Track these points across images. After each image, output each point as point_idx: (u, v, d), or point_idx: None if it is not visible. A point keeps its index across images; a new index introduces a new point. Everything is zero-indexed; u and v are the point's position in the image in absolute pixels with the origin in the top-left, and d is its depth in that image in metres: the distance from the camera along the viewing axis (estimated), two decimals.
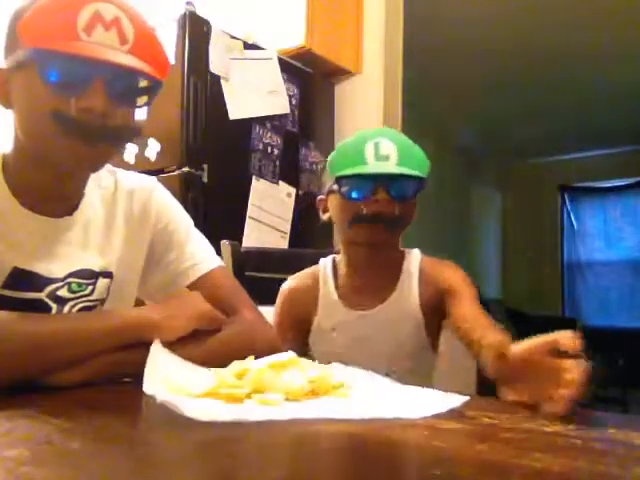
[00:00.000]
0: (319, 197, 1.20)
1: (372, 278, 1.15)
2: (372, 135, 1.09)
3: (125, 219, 0.91)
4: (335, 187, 1.10)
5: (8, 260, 0.79)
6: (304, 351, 1.16)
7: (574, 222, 6.33)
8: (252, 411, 0.55)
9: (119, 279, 0.89)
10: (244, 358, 0.68)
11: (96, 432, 0.49)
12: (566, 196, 6.42)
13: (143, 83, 0.79)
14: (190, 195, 1.80)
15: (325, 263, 1.21)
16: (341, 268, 1.19)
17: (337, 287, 1.16)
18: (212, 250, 0.98)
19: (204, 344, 0.80)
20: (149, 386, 0.60)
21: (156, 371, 0.64)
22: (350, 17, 2.37)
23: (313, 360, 0.73)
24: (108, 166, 0.90)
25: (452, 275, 1.11)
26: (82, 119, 0.74)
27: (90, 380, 0.69)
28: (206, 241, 0.99)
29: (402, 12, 2.40)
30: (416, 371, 1.11)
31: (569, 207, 6.41)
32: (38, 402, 0.58)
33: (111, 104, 0.75)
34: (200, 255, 0.94)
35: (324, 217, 1.17)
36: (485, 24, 3.46)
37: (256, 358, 0.68)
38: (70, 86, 0.73)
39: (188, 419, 0.50)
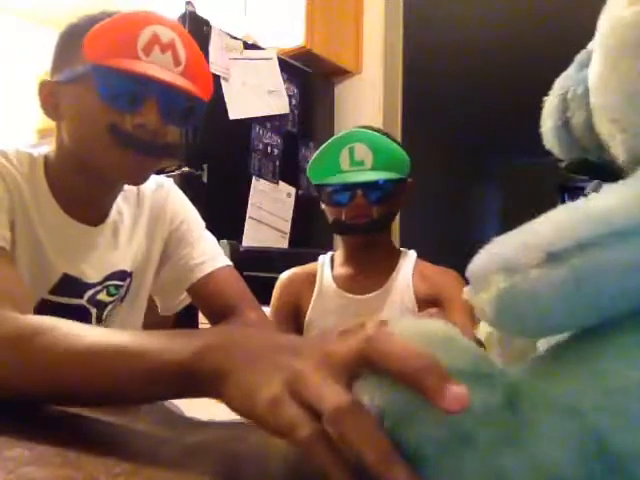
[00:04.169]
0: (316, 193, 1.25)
1: (368, 268, 1.18)
2: (347, 140, 1.12)
3: (146, 219, 0.94)
4: (319, 192, 1.16)
5: (58, 266, 0.81)
6: None
7: None
8: None
9: (138, 277, 0.92)
10: None
11: (96, 432, 0.49)
12: (566, 196, 6.42)
13: (191, 103, 0.83)
14: (190, 195, 1.79)
15: (323, 257, 1.27)
16: (338, 260, 1.24)
17: (334, 276, 1.21)
18: (221, 251, 1.01)
19: None
20: None
21: None
22: (350, 17, 2.37)
23: None
24: None
25: (450, 282, 1.13)
26: (136, 134, 0.77)
27: None
28: (216, 242, 1.02)
29: (402, 12, 2.40)
30: None
31: None
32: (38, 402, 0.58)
33: (162, 122, 0.79)
34: (209, 254, 0.97)
35: (323, 206, 1.22)
36: (485, 25, 3.46)
37: None
38: (127, 102, 0.77)
39: (188, 419, 0.50)
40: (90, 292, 0.84)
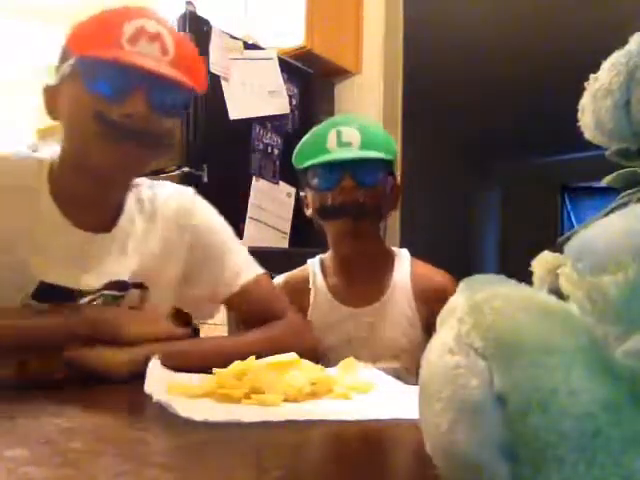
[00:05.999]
0: (302, 194, 1.19)
1: (362, 274, 1.13)
2: (334, 123, 1.10)
3: (163, 232, 0.91)
4: (305, 180, 1.11)
5: (37, 274, 0.79)
6: None
7: (574, 222, 6.33)
8: (246, 411, 0.55)
9: (153, 290, 0.89)
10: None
11: (96, 432, 0.49)
12: (566, 196, 6.41)
13: (181, 93, 0.82)
14: None
15: (313, 262, 1.21)
16: (329, 266, 1.18)
17: (328, 285, 1.16)
18: (251, 259, 0.99)
19: (259, 336, 0.88)
20: (149, 385, 0.60)
21: (157, 374, 0.65)
22: (350, 17, 2.37)
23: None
24: (147, 180, 0.94)
25: (445, 284, 1.10)
26: (123, 123, 0.76)
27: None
28: (245, 250, 1.00)
29: (402, 12, 2.40)
30: (411, 369, 1.08)
31: (569, 207, 6.40)
32: (39, 402, 0.58)
33: (151, 111, 0.77)
34: (240, 265, 0.96)
35: (308, 213, 1.17)
36: (485, 25, 3.46)
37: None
38: (113, 92, 0.76)
39: (188, 419, 0.50)
40: (85, 300, 0.81)
